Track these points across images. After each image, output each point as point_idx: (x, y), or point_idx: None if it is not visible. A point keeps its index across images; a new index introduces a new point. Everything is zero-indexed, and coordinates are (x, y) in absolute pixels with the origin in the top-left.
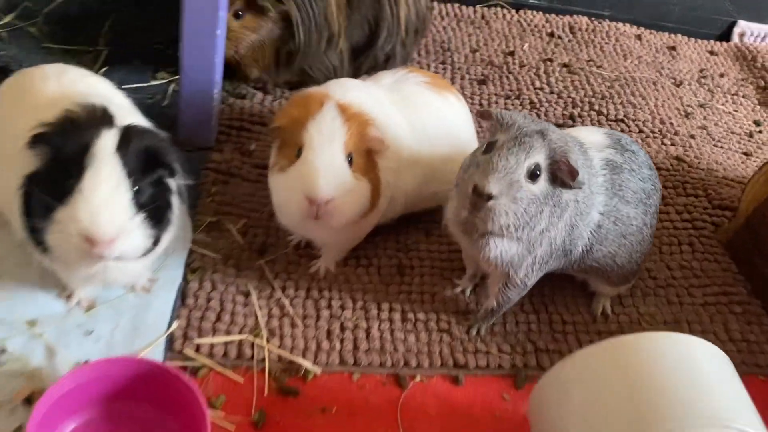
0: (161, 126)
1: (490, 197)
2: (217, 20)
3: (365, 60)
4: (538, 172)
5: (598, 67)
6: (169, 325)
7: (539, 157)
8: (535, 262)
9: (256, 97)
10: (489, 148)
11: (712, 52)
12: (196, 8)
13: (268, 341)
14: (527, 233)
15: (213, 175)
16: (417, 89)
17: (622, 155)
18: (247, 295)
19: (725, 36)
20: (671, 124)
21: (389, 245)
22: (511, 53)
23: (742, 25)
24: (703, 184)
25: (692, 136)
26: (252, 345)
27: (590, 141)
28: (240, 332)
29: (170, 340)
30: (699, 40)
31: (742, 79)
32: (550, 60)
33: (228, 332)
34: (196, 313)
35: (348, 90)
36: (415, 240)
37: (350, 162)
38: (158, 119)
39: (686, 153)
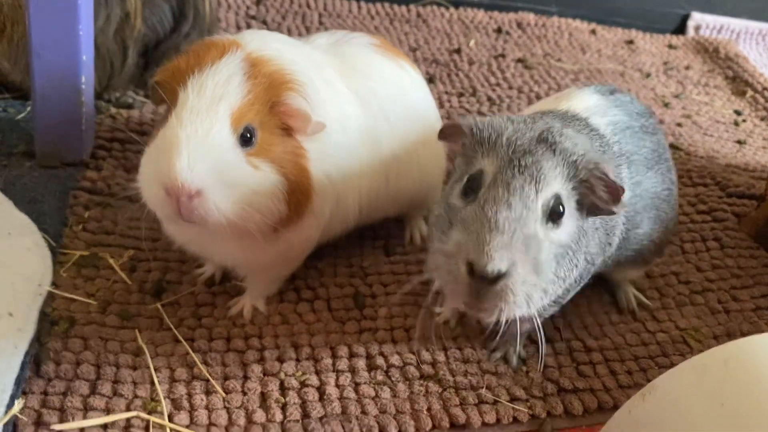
0: (17, 142)
1: (498, 278)
2: None
3: (159, 56)
4: (561, 208)
5: (557, 60)
6: (9, 406)
7: (556, 183)
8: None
9: (146, 107)
10: (472, 186)
11: (671, 46)
12: None
13: (170, 418)
14: (561, 284)
15: (86, 197)
16: (365, 53)
17: (625, 111)
18: (137, 353)
19: (680, 29)
20: (652, 112)
21: (340, 270)
22: (457, 51)
23: (696, 18)
24: (709, 172)
25: (679, 125)
26: (147, 425)
27: (589, 107)
28: (128, 408)
29: (13, 429)
30: (655, 35)
31: (709, 71)
32: (503, 56)
33: (109, 409)
34: (57, 385)
35: (270, 42)
36: (373, 261)
37: (246, 140)
38: (12, 135)
39: (678, 141)
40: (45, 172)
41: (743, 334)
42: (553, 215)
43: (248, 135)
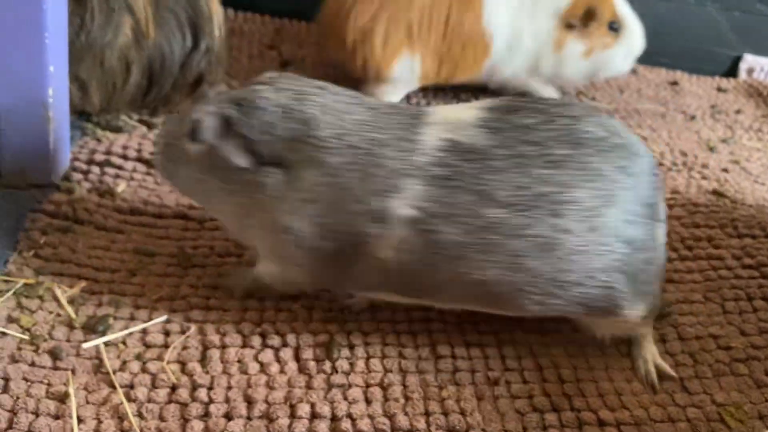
0: None
1: None
2: None
3: (165, 78)
4: None
5: (591, 99)
6: None
7: None
8: None
9: (137, 132)
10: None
11: (720, 89)
12: None
13: None
14: None
15: (46, 221)
16: None
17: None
18: (62, 399)
19: (731, 72)
20: (695, 156)
21: (316, 315)
22: (484, 88)
23: (749, 60)
24: (758, 222)
25: (725, 170)
26: None
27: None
28: None
29: None
30: (703, 77)
31: (763, 116)
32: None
33: None
34: None
35: None
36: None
37: None
38: None
39: (723, 188)
40: (7, 193)
41: None
42: None
43: None
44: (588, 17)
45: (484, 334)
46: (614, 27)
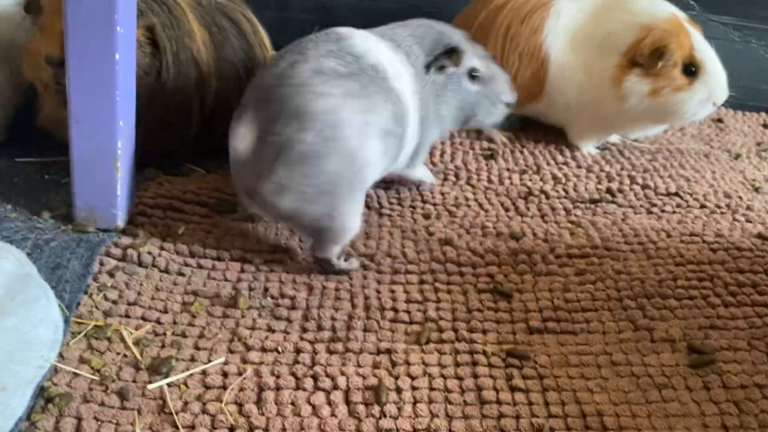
0: (58, 205)
1: None
2: (113, 38)
3: (225, 124)
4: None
5: (633, 140)
6: None
7: None
8: None
9: (196, 175)
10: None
11: (766, 125)
12: (81, 20)
13: None
14: None
15: (113, 264)
16: None
17: None
18: None
19: None
20: (740, 198)
21: (364, 359)
22: (522, 128)
23: None
24: None
25: None
26: None
27: None
28: None
29: None
30: (748, 113)
31: None
32: None
33: None
34: None
35: None
36: (404, 348)
37: None
38: (55, 197)
39: None
40: (77, 237)
41: None
42: None
43: None
44: (656, 56)
45: (529, 379)
46: (691, 70)
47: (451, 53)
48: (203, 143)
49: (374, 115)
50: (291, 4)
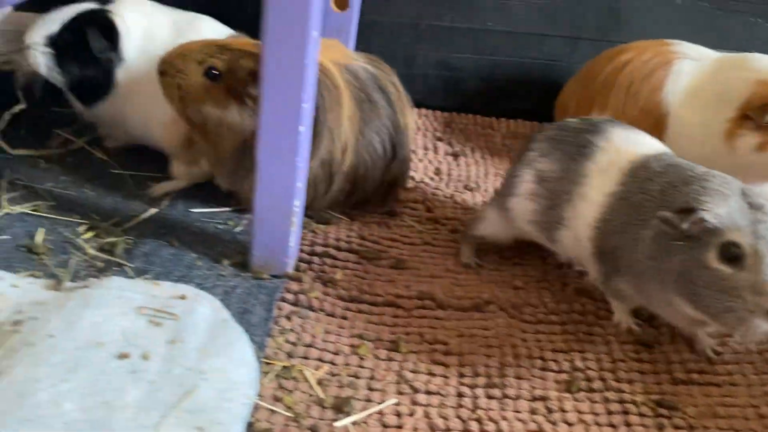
0: (233, 253)
1: None
2: (299, 113)
3: (368, 186)
4: None
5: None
6: None
7: None
8: None
9: (342, 224)
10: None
11: None
12: (275, 99)
13: None
14: None
15: (288, 308)
16: None
17: None
18: None
19: None
20: None
21: (520, 404)
22: None
23: None
24: None
25: None
26: None
27: None
28: None
29: None
30: None
31: None
32: None
33: None
34: None
35: None
36: (558, 395)
37: None
38: (230, 245)
39: None
40: (256, 283)
41: None
42: None
43: None
44: (766, 110)
45: (680, 429)
46: None
47: None
48: (347, 200)
49: None
50: (416, 61)
